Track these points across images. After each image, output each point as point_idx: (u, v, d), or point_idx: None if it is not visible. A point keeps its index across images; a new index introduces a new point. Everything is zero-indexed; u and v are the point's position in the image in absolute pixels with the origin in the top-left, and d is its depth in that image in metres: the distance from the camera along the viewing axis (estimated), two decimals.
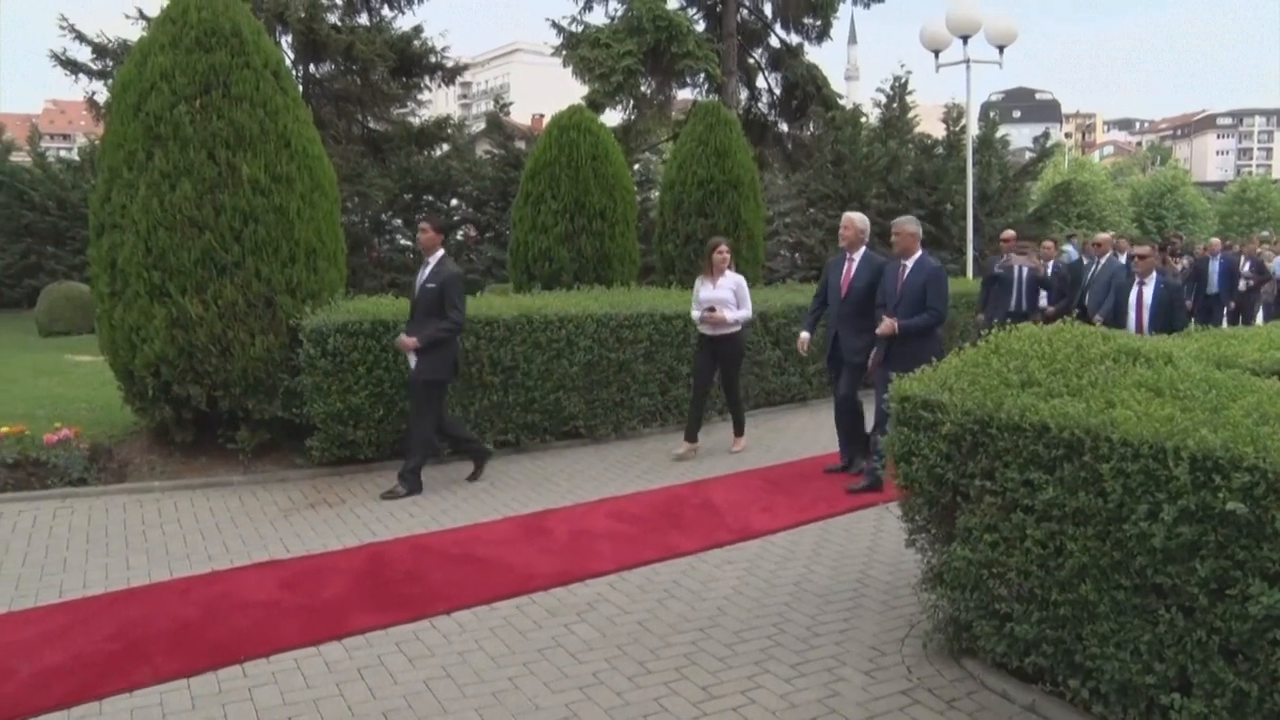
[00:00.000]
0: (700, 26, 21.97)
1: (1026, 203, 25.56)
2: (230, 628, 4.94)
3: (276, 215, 7.85)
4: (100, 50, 20.77)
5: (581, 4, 22.09)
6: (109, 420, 9.13)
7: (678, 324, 9.79)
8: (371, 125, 23.50)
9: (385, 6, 22.30)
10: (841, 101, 24.44)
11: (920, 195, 22.71)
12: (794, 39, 23.39)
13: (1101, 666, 3.67)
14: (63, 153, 37.96)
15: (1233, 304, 16.34)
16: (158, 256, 7.60)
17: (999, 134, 26.05)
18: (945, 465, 4.31)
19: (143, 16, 19.47)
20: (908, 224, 7.56)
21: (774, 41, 23.71)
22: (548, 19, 21.42)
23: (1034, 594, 3.94)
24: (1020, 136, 50.46)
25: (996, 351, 4.65)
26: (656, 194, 20.20)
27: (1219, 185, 78.60)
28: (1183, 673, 3.41)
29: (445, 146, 25.79)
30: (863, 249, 7.94)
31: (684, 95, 23.72)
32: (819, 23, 22.90)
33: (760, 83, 24.30)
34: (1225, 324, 15.26)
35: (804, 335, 8.39)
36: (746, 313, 8.73)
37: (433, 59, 22.62)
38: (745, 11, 23.03)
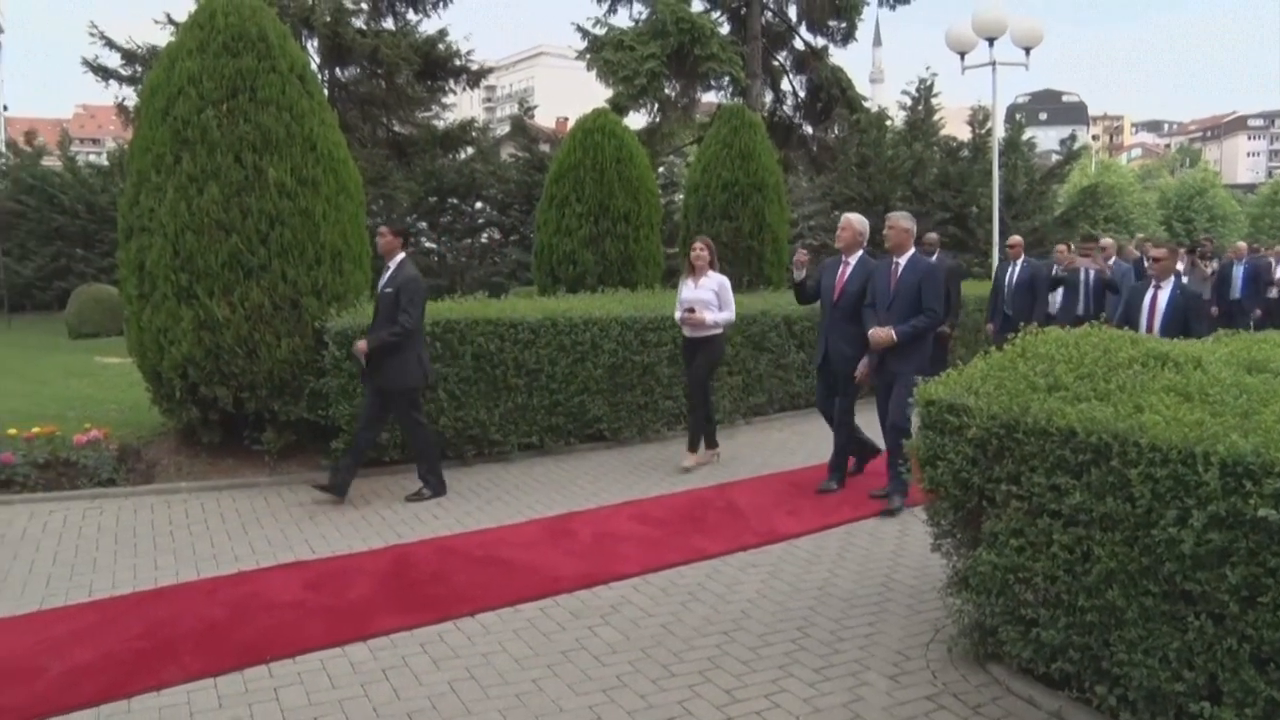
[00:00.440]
0: (724, 29, 21.93)
1: (1053, 206, 25.40)
2: (256, 628, 4.98)
3: (302, 218, 7.90)
4: (129, 56, 21.02)
5: (605, 6, 22.17)
6: (137, 421, 9.22)
7: None
8: (396, 129, 23.63)
9: (410, 10, 22.44)
10: (866, 104, 24.36)
11: (945, 198, 22.62)
12: (819, 41, 23.37)
13: (1129, 673, 3.63)
14: (92, 157, 38.29)
15: (1259, 311, 15.14)
16: (185, 259, 7.66)
17: (1025, 136, 25.88)
18: (971, 469, 4.28)
19: (171, 22, 19.65)
20: (900, 219, 7.22)
21: (798, 44, 23.68)
22: (572, 22, 21.49)
23: (1060, 599, 3.91)
24: (1046, 139, 50.20)
25: (1023, 355, 4.62)
26: (681, 197, 20.22)
27: (1250, 187, 77.70)
28: (1213, 681, 3.37)
29: (470, 150, 25.94)
30: (859, 252, 7.52)
31: (708, 98, 23.70)
32: (844, 25, 22.84)
33: (785, 85, 24.26)
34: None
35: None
36: (728, 315, 8.38)
37: (457, 62, 22.73)
38: (769, 14, 23.00)
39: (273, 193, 7.79)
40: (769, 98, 23.77)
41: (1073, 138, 30.41)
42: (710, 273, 8.38)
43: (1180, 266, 12.33)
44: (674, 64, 20.56)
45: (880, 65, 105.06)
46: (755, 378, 10.49)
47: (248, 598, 5.40)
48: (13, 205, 25.30)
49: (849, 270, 7.48)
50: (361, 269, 8.55)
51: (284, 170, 7.85)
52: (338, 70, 21.35)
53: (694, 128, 23.83)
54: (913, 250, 7.19)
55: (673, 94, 21.95)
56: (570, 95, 44.91)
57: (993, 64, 15.52)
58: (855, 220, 7.60)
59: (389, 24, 22.16)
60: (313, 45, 20.13)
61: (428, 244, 26.19)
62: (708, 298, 8.25)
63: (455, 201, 25.80)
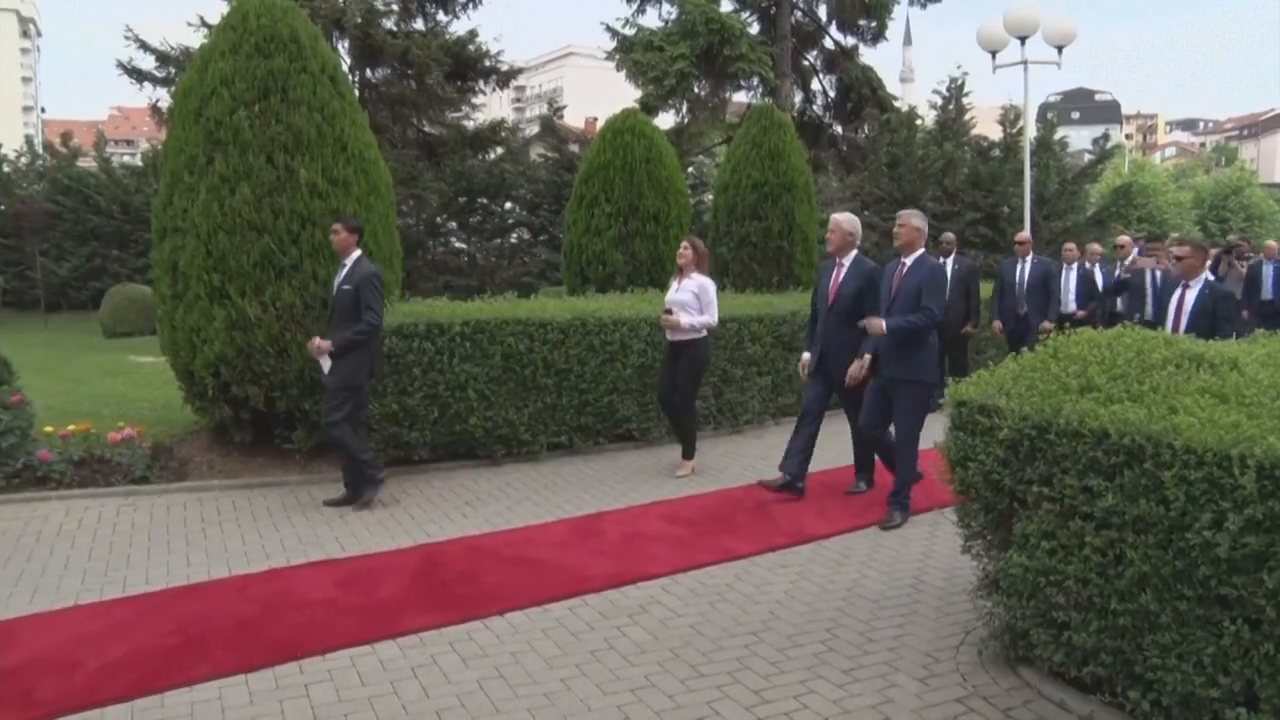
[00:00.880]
0: (754, 29, 21.88)
1: (1085, 206, 25.18)
2: (287, 625, 5.01)
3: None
4: (163, 58, 21.22)
5: (635, 7, 22.13)
6: (170, 420, 9.32)
7: (731, 327, 9.78)
8: (426, 129, 23.70)
9: (440, 11, 22.48)
10: (897, 104, 24.24)
11: (976, 198, 22.48)
12: (849, 41, 23.26)
13: (1163, 678, 3.59)
14: (126, 158, 38.74)
15: None
16: (218, 259, 7.72)
17: (1057, 136, 25.68)
18: (1002, 471, 4.25)
19: (204, 24, 19.82)
20: (911, 217, 6.93)
21: (828, 43, 23.57)
22: (601, 22, 21.54)
23: (1093, 602, 3.88)
24: (1079, 138, 49.73)
25: (1055, 356, 4.58)
26: (710, 197, 20.19)
27: None
28: (1249, 687, 3.33)
29: (499, 150, 26.00)
30: (853, 253, 7.25)
31: (738, 98, 23.65)
32: (874, 24, 22.72)
33: (815, 85, 24.17)
34: None
35: (805, 356, 7.53)
36: (708, 319, 8.09)
37: (487, 63, 22.77)
38: (799, 14, 22.93)
39: (304, 193, 7.84)
40: (799, 97, 23.69)
41: (1105, 137, 30.10)
42: (694, 274, 8.17)
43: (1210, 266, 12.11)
44: (703, 64, 20.53)
45: (910, 64, 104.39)
46: (785, 378, 10.46)
47: (278, 595, 5.44)
48: (50, 206, 25.63)
49: (843, 272, 7.24)
50: (392, 269, 8.59)
51: (315, 171, 7.90)
52: (368, 71, 21.45)
53: (723, 127, 23.78)
54: (922, 250, 6.92)
55: (702, 94, 21.91)
56: (599, 95, 44.99)
57: (1024, 63, 15.39)
58: (844, 220, 7.31)
59: (419, 25, 22.22)
60: (344, 46, 20.22)
61: (457, 244, 26.29)
62: (686, 300, 8.06)
63: (485, 201, 25.87)
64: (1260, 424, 3.42)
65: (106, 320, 20.85)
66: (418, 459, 8.29)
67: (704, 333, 8.16)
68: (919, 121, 24.63)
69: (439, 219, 24.87)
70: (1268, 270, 14.88)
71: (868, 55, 25.34)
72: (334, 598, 5.40)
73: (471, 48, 22.26)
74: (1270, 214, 58.96)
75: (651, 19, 22.01)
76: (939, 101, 25.24)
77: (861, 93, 23.00)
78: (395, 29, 21.19)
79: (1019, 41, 15.16)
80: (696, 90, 21.49)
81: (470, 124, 24.99)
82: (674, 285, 8.31)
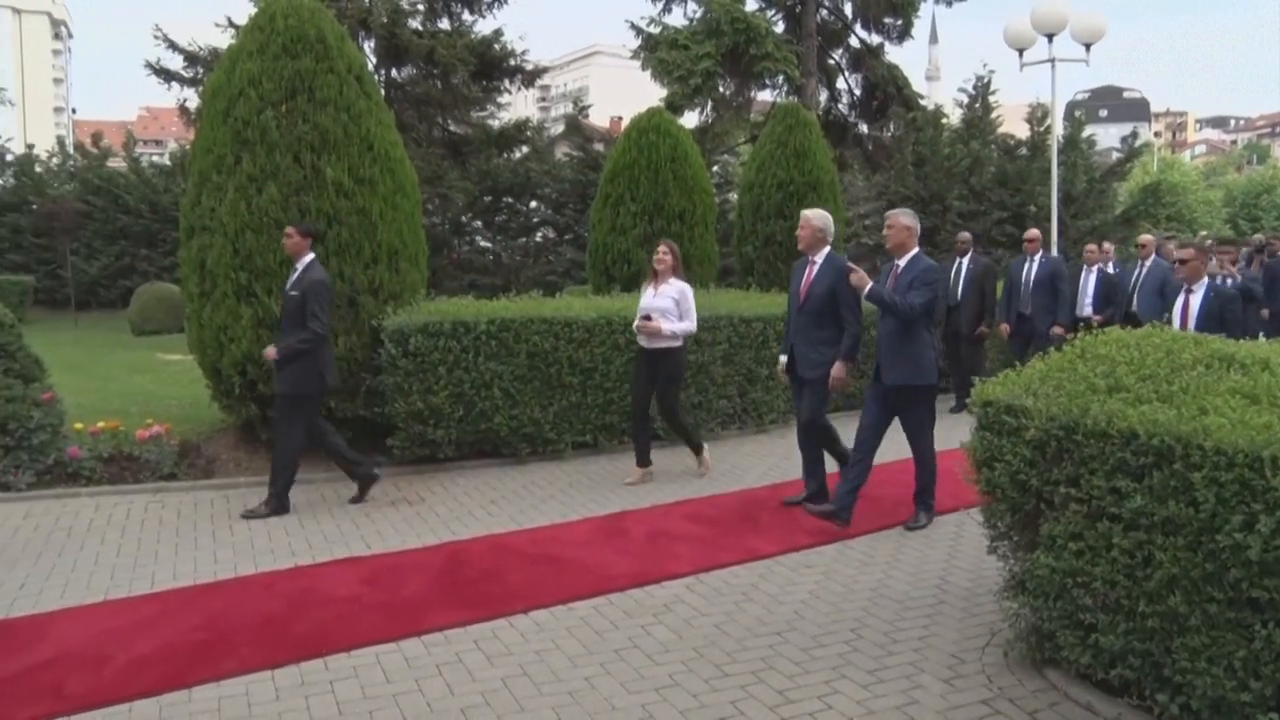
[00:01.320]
0: (779, 28, 21.79)
1: (1113, 204, 24.99)
2: (313, 622, 5.04)
3: (359, 217, 8.00)
4: (191, 58, 21.38)
5: (660, 6, 22.09)
6: (198, 417, 9.39)
7: (756, 326, 9.76)
8: (452, 128, 23.77)
9: (466, 11, 22.54)
10: (923, 102, 24.10)
11: (1003, 197, 22.35)
12: (874, 39, 23.12)
13: (1192, 682, 3.56)
14: (155, 158, 39.05)
15: None
16: (245, 258, 7.78)
17: (1085, 134, 25.50)
18: (1029, 471, 4.22)
19: (232, 24, 19.96)
20: (901, 216, 6.70)
21: (854, 42, 23.45)
22: (626, 20, 21.44)
23: (1120, 604, 3.84)
24: (1107, 136, 49.17)
25: (1083, 356, 4.55)
26: (735, 196, 20.15)
27: None
28: None
29: (525, 149, 26.06)
30: (825, 250, 6.96)
31: (763, 97, 23.54)
32: (900, 22, 22.58)
33: (840, 83, 24.05)
34: None
35: (783, 360, 7.27)
36: (688, 326, 7.83)
37: (512, 62, 22.80)
38: (825, 12, 22.82)
39: (330, 192, 7.89)
40: (824, 96, 23.57)
41: (1134, 135, 29.86)
42: (672, 279, 7.88)
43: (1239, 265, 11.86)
44: (729, 63, 20.46)
45: (937, 63, 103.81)
46: None
47: (304, 592, 5.47)
48: (80, 206, 25.91)
49: (815, 270, 6.95)
50: (418, 268, 8.63)
51: (341, 170, 7.95)
52: (394, 71, 21.54)
53: (748, 126, 23.71)
54: (916, 250, 6.66)
55: (727, 93, 21.83)
56: (624, 94, 44.95)
57: (1052, 60, 15.24)
58: (814, 216, 7.00)
59: (445, 24, 22.28)
60: (370, 46, 20.32)
61: (483, 243, 26.38)
62: (667, 306, 7.78)
63: (510, 200, 25.96)
64: None
65: (135, 318, 21.07)
66: (443, 457, 8.32)
67: (681, 341, 7.91)
68: (945, 120, 24.49)
69: (464, 218, 24.96)
70: None
71: (893, 53, 25.19)
72: (359, 595, 5.42)
73: (497, 47, 22.30)
74: None
75: (677, 18, 21.92)
76: (965, 100, 25.12)
77: (887, 91, 22.87)
78: (421, 29, 21.26)
79: (1046, 39, 15.03)
80: (721, 89, 21.42)
81: (495, 123, 25.04)
82: (649, 290, 7.97)
